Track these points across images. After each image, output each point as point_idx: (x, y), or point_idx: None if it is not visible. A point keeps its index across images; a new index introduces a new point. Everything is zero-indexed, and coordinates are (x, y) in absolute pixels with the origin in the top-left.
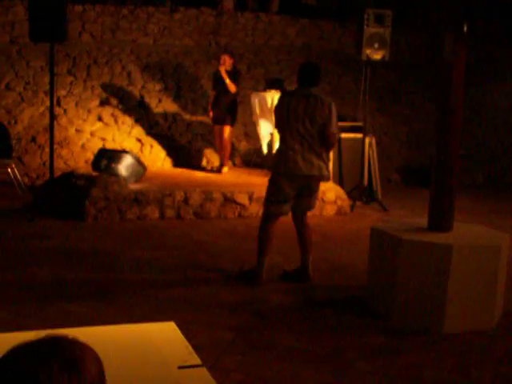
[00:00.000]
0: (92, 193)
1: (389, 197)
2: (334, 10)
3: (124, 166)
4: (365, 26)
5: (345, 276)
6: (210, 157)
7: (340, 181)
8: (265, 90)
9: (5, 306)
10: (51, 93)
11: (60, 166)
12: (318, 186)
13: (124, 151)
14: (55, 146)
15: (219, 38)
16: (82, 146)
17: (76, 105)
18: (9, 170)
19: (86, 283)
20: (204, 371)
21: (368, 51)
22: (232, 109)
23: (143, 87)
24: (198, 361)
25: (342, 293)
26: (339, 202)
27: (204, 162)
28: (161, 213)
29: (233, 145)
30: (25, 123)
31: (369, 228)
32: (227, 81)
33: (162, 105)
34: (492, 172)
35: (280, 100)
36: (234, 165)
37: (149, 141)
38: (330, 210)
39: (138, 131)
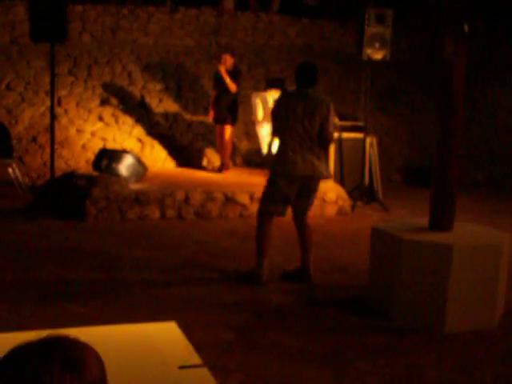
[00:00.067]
0: (93, 193)
1: (390, 197)
2: (335, 10)
3: (125, 166)
4: (366, 26)
5: (345, 276)
6: (211, 157)
7: (341, 181)
8: (265, 89)
9: (5, 305)
10: (52, 93)
11: (61, 166)
12: (317, 186)
13: (125, 151)
14: (56, 146)
15: (220, 37)
16: (83, 146)
17: (77, 105)
18: (10, 169)
19: (87, 283)
20: (205, 371)
21: (369, 51)
22: (233, 108)
23: (144, 87)
24: (198, 361)
25: (342, 293)
26: (340, 202)
27: (205, 162)
28: (161, 213)
29: (234, 144)
30: (25, 123)
31: (370, 228)
32: (227, 80)
33: (163, 105)
34: (493, 172)
35: (278, 101)
36: (235, 164)
37: (149, 141)
38: (331, 210)
39: (139, 131)
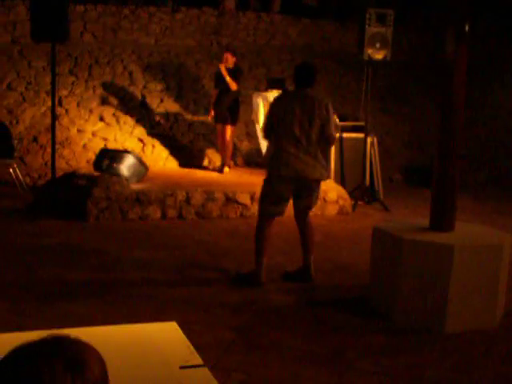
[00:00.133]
0: (94, 193)
1: (390, 197)
2: (335, 10)
3: (126, 166)
4: (366, 26)
5: (347, 276)
6: (212, 156)
7: (342, 181)
8: (266, 89)
9: (5, 305)
10: (53, 93)
11: (62, 166)
12: (317, 186)
13: (126, 151)
14: (57, 146)
15: (221, 37)
16: (84, 146)
17: (78, 105)
18: (10, 169)
19: (88, 283)
20: (206, 371)
21: (370, 51)
22: (234, 108)
23: (145, 87)
24: (199, 361)
25: (343, 293)
26: (341, 202)
27: (206, 162)
28: (162, 213)
29: (234, 144)
30: (26, 123)
31: (371, 228)
32: (227, 78)
33: (164, 105)
34: (494, 171)
35: (276, 102)
36: (236, 164)
37: (150, 141)
38: (332, 210)
39: (140, 131)
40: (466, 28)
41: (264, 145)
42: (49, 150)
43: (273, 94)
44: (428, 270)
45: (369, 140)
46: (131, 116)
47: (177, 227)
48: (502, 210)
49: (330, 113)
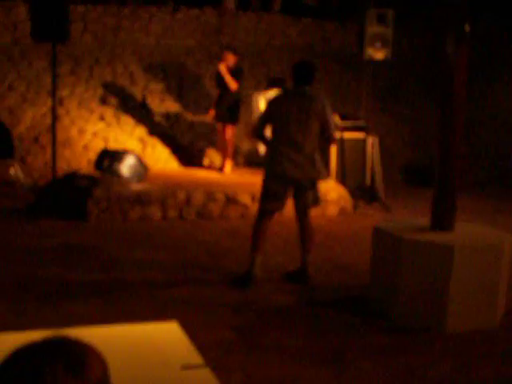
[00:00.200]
0: (94, 193)
1: (391, 196)
2: (336, 10)
3: (126, 166)
4: (367, 26)
5: (347, 276)
6: (213, 156)
7: (342, 181)
8: (266, 89)
9: (5, 305)
10: (53, 93)
11: (62, 166)
12: (313, 184)
13: (126, 151)
14: (57, 147)
15: (221, 37)
16: (85, 147)
17: (78, 105)
18: (11, 170)
19: (88, 283)
20: (207, 371)
21: (370, 51)
22: (234, 108)
23: (145, 87)
24: (200, 361)
25: (344, 292)
26: (342, 202)
27: (206, 162)
28: (163, 213)
29: (235, 144)
30: (27, 123)
31: (371, 228)
32: (226, 77)
33: (164, 104)
34: (494, 171)
35: (273, 101)
36: (237, 164)
37: (151, 141)
38: (333, 210)
39: (141, 131)
40: (467, 28)
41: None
42: (49, 150)
43: (273, 94)
44: (428, 269)
45: (369, 140)
46: (132, 116)
47: (177, 227)
48: (502, 209)
49: (327, 111)
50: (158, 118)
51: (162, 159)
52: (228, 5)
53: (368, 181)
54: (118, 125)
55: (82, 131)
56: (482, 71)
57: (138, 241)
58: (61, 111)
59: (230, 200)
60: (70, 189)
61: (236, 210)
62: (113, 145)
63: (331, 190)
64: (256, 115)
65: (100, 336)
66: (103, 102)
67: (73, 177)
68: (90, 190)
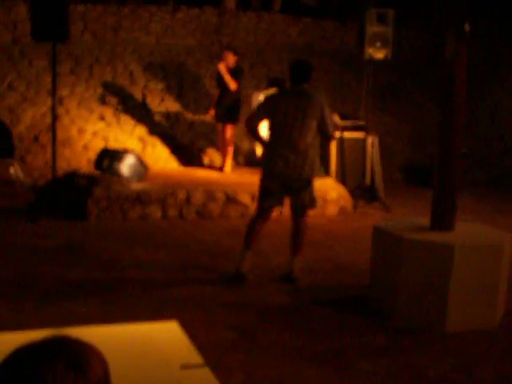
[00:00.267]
0: (94, 192)
1: (391, 196)
2: (336, 10)
3: (126, 166)
4: (367, 26)
5: (347, 275)
6: (213, 156)
7: (342, 180)
8: (267, 89)
9: (5, 304)
10: (53, 92)
11: (62, 165)
12: (308, 184)
13: (126, 151)
14: (57, 146)
15: (221, 37)
16: (85, 146)
17: (78, 104)
18: (11, 169)
19: (88, 282)
20: (207, 371)
21: (370, 50)
22: (234, 108)
23: (145, 87)
24: (200, 360)
25: (344, 292)
26: (342, 202)
27: (206, 161)
28: (163, 212)
29: (235, 144)
30: (27, 123)
31: (371, 227)
32: (226, 77)
33: (165, 104)
34: (494, 171)
35: (269, 98)
36: (238, 164)
37: (151, 140)
38: (333, 210)
39: (141, 130)
40: (467, 28)
41: (258, 146)
42: (49, 149)
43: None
44: (428, 269)
45: (369, 139)
46: (132, 115)
47: (177, 227)
48: (502, 209)
49: (325, 110)
50: (157, 118)
51: (162, 159)
52: (228, 4)
53: (368, 180)
54: (117, 124)
55: (81, 131)
56: (482, 71)
57: (137, 240)
58: (61, 111)
59: (230, 199)
60: (69, 188)
61: (236, 210)
62: (113, 144)
63: (331, 189)
64: None
65: (100, 335)
66: (103, 101)
67: (73, 176)
68: (90, 189)
